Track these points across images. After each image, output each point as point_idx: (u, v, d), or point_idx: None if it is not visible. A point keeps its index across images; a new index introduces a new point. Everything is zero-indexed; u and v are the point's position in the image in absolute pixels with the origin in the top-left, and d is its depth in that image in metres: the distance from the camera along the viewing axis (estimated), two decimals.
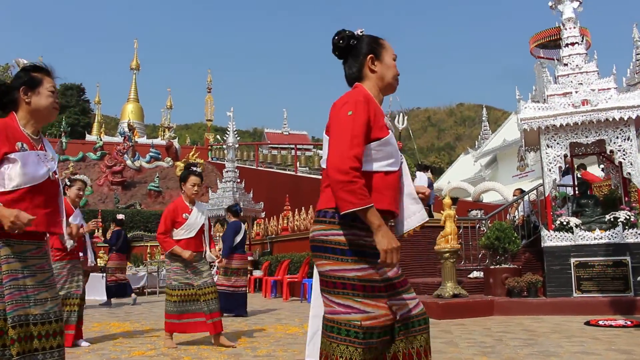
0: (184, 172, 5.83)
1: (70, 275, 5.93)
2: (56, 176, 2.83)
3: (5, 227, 2.46)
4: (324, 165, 2.27)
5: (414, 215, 2.39)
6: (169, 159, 30.40)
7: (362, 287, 2.11)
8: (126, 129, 31.37)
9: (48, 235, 2.84)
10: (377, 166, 2.20)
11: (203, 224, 5.77)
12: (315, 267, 2.28)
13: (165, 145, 31.68)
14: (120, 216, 13.03)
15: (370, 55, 2.34)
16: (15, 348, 2.49)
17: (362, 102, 2.17)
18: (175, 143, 32.23)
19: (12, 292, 2.54)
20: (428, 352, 2.23)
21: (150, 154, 30.38)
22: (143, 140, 33.65)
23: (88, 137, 34.98)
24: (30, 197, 2.64)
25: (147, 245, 19.22)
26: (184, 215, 5.66)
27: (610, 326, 6.50)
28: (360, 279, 2.12)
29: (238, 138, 18.45)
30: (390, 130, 2.27)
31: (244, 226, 9.10)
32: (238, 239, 8.79)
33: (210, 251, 5.87)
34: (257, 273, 14.97)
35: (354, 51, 2.37)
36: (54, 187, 2.81)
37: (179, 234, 5.62)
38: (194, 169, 5.92)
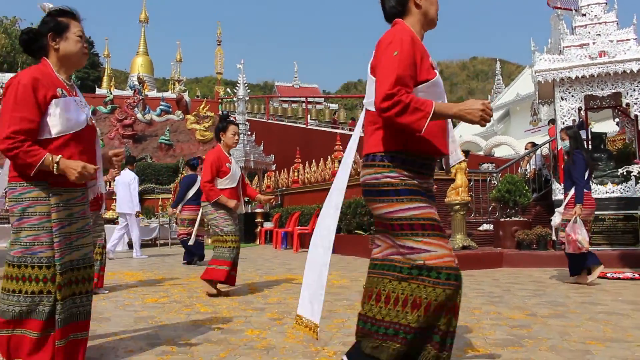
0: (222, 123, 5.72)
1: (94, 226, 6.02)
2: (93, 122, 2.78)
3: (71, 179, 2.45)
4: (369, 108, 2.21)
5: (454, 153, 2.40)
6: (180, 112, 30.32)
7: (421, 226, 2.08)
8: (136, 83, 31.28)
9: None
10: None
11: (241, 174, 5.80)
12: (371, 211, 2.27)
13: (176, 99, 31.57)
14: None
15: None
16: (62, 293, 2.53)
17: (408, 42, 2.10)
18: (186, 96, 32.11)
19: (60, 240, 2.55)
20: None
21: (161, 107, 30.26)
22: (153, 93, 33.54)
23: (98, 91, 34.88)
24: (74, 144, 2.59)
25: (159, 198, 19.45)
26: (227, 164, 5.60)
27: (618, 278, 6.55)
28: (417, 217, 2.09)
29: (248, 91, 18.36)
30: (436, 71, 2.20)
31: (199, 179, 9.28)
32: (191, 192, 9.39)
33: (257, 197, 6.02)
34: (268, 225, 15.15)
35: None
36: (93, 132, 2.77)
37: (224, 183, 5.56)
38: (231, 118, 5.85)
